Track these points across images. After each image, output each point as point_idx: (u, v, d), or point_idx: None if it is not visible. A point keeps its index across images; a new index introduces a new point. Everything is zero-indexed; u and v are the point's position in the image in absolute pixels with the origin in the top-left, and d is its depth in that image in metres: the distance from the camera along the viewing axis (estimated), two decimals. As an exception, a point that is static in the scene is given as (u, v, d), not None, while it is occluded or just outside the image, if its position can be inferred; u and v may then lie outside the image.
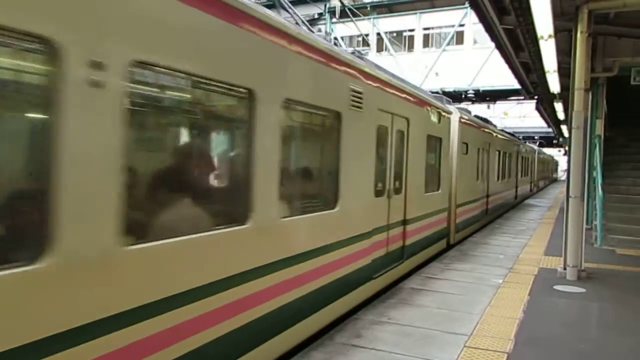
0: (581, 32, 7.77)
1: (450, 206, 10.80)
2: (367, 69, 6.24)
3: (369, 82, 6.16)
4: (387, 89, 6.95)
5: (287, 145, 4.74)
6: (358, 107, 5.77)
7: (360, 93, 5.81)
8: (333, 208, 5.40)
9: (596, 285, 7.52)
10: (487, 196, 15.06)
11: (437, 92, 13.62)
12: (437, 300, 6.43)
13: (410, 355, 4.59)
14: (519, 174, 22.78)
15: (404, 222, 7.73)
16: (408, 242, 7.89)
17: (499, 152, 16.99)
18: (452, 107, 11.32)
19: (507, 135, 20.15)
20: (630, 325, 5.75)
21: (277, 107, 4.24)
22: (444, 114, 9.91)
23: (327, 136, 5.69)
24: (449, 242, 10.84)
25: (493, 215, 16.10)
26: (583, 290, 7.20)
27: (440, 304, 6.27)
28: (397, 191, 7.41)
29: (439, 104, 9.84)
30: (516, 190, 21.91)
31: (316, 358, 4.46)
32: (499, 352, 4.73)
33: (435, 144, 9.56)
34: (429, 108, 8.96)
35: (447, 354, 4.64)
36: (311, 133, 5.84)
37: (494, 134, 16.24)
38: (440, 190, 9.83)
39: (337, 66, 5.37)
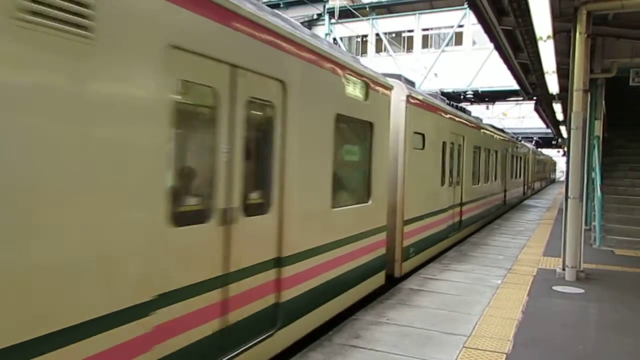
0: (580, 33, 7.78)
1: (394, 223, 7.78)
2: None
3: None
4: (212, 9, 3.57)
5: None
6: (75, 25, 2.53)
7: None
8: None
9: (595, 286, 7.53)
10: (461, 204, 11.97)
11: (435, 93, 13.32)
12: (436, 300, 6.44)
13: (409, 356, 4.59)
14: (509, 176, 19.95)
15: (279, 263, 4.52)
16: (289, 295, 4.69)
17: (479, 148, 13.78)
18: (393, 81, 7.70)
19: (493, 129, 16.71)
20: (629, 326, 5.76)
21: None
22: (374, 87, 6.56)
23: None
24: (392, 276, 7.77)
25: (472, 228, 13.26)
26: (582, 290, 7.20)
27: (439, 304, 6.27)
28: (258, 209, 4.29)
29: (365, 69, 6.44)
30: (505, 195, 18.97)
31: (314, 358, 4.46)
32: (498, 352, 4.73)
33: (357, 131, 6.53)
34: (339, 71, 5.62)
35: (445, 355, 4.64)
36: None
37: (471, 126, 12.92)
38: (370, 202, 6.63)
39: None
